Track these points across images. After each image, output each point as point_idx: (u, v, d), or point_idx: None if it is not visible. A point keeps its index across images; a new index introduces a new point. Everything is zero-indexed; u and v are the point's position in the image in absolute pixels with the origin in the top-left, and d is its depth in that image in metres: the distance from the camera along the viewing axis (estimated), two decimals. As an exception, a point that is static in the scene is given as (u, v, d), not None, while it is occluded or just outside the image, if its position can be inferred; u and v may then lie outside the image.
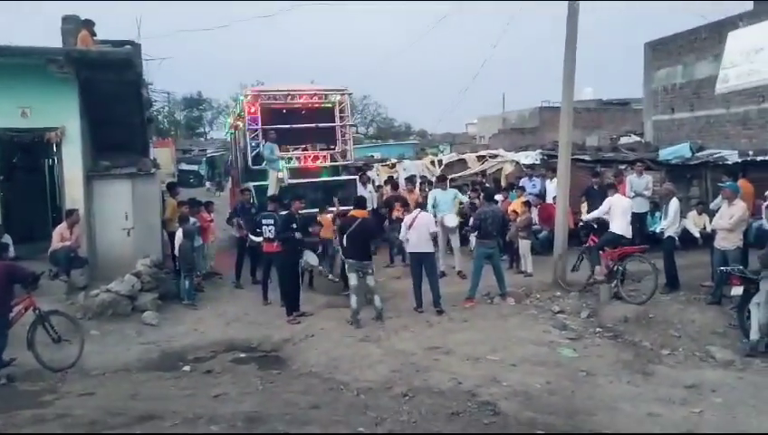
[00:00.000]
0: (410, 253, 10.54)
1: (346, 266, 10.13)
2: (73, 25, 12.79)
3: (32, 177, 14.54)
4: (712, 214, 11.33)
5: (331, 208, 12.86)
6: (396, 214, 13.52)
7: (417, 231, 10.26)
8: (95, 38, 12.40)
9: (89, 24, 12.46)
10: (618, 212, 10.67)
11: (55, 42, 12.88)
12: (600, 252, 10.79)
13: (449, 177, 16.04)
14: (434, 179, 15.21)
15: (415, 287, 10.40)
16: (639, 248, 10.87)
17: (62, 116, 11.26)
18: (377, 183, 16.78)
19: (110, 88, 11.69)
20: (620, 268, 10.43)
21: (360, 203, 10.64)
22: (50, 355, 8.15)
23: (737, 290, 8.55)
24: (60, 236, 10.85)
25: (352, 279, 9.82)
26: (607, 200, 10.91)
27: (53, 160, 13.62)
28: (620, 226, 10.59)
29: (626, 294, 10.33)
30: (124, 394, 7.19)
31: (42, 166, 15.02)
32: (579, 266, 11.36)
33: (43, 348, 8.14)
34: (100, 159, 12.39)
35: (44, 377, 7.82)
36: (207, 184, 35.69)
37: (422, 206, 11.33)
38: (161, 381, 7.71)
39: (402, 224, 10.86)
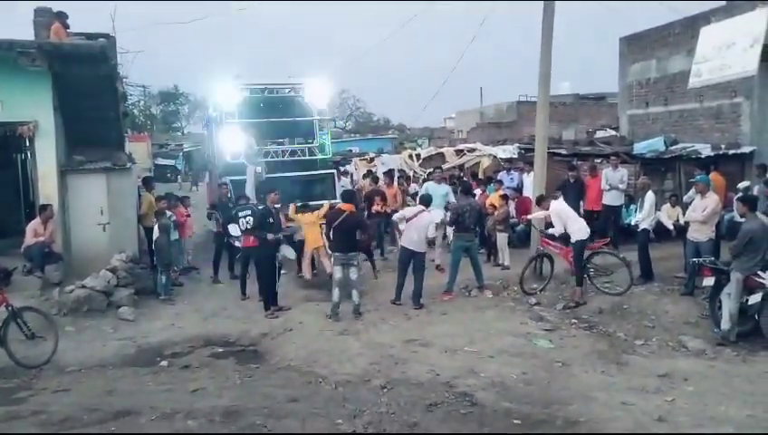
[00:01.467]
0: (403, 247, 10.50)
1: (332, 259, 10.12)
2: (46, 18, 12.56)
3: (4, 172, 14.31)
4: (685, 206, 11.50)
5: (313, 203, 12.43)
6: (375, 208, 13.57)
7: (416, 230, 10.23)
8: (68, 31, 12.20)
9: (62, 17, 12.24)
10: (569, 218, 10.43)
11: (27, 34, 12.67)
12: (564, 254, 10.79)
13: (428, 171, 16.10)
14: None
15: (398, 280, 10.43)
16: (603, 243, 11.01)
17: (34, 110, 11.09)
18: (355, 177, 16.81)
19: (84, 82, 11.50)
20: (587, 265, 10.56)
21: (348, 197, 10.56)
22: (24, 352, 8.03)
23: (709, 281, 8.72)
24: (33, 232, 10.69)
25: (337, 272, 9.82)
26: (552, 210, 10.53)
27: (26, 155, 13.42)
28: (581, 230, 10.36)
29: (601, 287, 10.47)
30: (100, 390, 7.11)
31: (14, 160, 14.80)
32: (540, 269, 11.28)
33: (17, 345, 8.02)
34: (75, 153, 12.21)
35: (18, 374, 7.69)
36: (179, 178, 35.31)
37: (426, 203, 10.87)
38: (138, 377, 7.64)
39: (399, 215, 10.83)
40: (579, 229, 10.34)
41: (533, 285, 10.84)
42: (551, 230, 10.69)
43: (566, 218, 10.39)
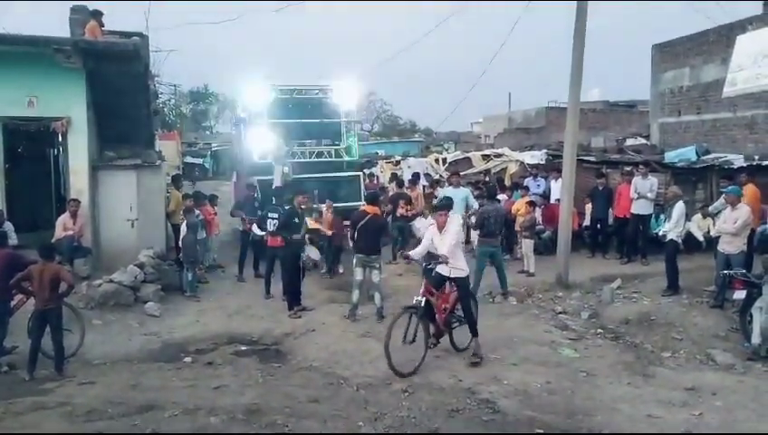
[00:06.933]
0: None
1: (354, 261, 10.12)
2: (82, 16, 12.82)
3: (36, 166, 14.56)
4: (713, 217, 11.29)
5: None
6: (400, 211, 13.54)
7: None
8: (103, 29, 12.42)
9: (97, 15, 12.48)
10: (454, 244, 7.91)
11: (64, 32, 12.92)
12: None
13: (446, 175, 16.00)
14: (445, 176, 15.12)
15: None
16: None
17: (68, 106, 11.31)
18: (381, 180, 16.82)
19: (116, 79, 11.71)
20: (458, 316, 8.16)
21: (372, 199, 10.55)
22: (51, 344, 8.15)
23: (740, 294, 8.54)
24: (63, 226, 10.90)
25: (357, 274, 9.81)
26: (457, 225, 8.24)
27: (59, 150, 13.65)
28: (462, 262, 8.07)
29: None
30: (125, 384, 7.21)
31: (47, 155, 15.06)
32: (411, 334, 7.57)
33: (44, 337, 8.14)
34: (106, 149, 12.43)
35: (46, 365, 7.79)
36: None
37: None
38: (162, 372, 7.73)
39: (426, 222, 10.70)
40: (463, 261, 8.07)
41: (559, 293, 10.53)
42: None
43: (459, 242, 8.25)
